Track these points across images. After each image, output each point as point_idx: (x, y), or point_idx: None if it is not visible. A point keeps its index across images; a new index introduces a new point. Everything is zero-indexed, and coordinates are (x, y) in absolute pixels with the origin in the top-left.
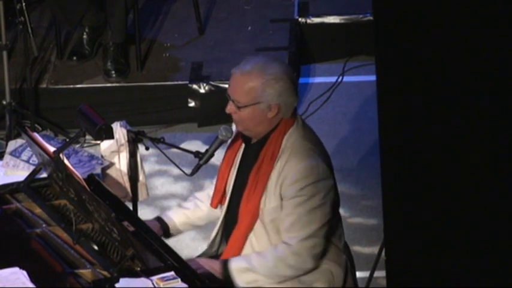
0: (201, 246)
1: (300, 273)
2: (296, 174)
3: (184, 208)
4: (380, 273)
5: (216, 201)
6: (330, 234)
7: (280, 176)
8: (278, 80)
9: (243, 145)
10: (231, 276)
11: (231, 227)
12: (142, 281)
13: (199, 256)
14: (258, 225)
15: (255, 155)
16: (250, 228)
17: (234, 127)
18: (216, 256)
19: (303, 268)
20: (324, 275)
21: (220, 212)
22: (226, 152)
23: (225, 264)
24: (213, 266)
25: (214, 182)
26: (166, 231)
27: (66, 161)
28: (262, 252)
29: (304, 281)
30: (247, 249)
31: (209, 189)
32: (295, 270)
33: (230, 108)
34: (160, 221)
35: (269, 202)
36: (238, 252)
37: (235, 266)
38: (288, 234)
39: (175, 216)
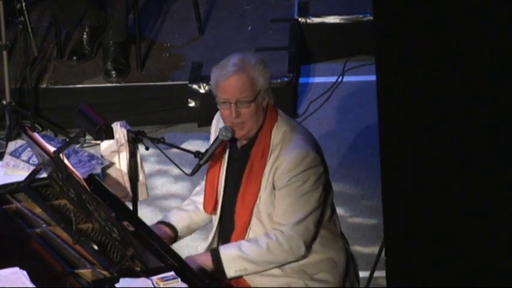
0: (201, 246)
1: (293, 259)
2: (288, 165)
3: (187, 211)
4: (380, 273)
5: (211, 208)
6: (326, 221)
7: (272, 168)
8: (265, 65)
9: (228, 150)
10: (221, 265)
11: (228, 229)
12: (143, 281)
13: None
14: (255, 223)
15: (245, 156)
16: (248, 224)
17: None
18: None
19: (296, 253)
20: (327, 264)
21: (214, 217)
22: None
23: (214, 254)
24: (203, 259)
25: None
26: (176, 237)
27: (66, 161)
28: (253, 239)
29: (308, 272)
30: None
31: None
32: (289, 255)
33: (236, 112)
34: (168, 226)
35: (264, 197)
36: None
37: (225, 254)
38: (280, 220)
39: (181, 220)
